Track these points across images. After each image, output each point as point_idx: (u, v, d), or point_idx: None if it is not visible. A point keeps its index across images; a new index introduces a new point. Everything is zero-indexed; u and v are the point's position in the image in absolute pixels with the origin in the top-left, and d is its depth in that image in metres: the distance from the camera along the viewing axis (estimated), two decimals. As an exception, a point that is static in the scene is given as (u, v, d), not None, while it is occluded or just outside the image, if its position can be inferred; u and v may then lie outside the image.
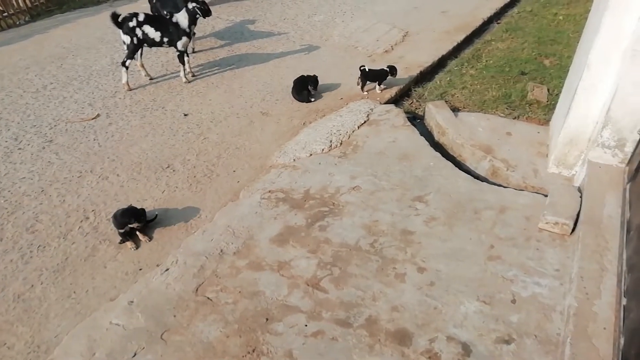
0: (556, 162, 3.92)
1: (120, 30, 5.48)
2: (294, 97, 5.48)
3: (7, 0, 8.03)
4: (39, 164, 4.53)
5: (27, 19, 8.26)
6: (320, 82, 5.61)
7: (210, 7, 5.84)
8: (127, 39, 5.49)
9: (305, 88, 5.43)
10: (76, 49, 6.98)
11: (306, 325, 2.84)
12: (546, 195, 3.61)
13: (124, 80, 5.75)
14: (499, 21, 7.64)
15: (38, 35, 7.49)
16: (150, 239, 3.64)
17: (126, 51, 5.58)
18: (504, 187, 3.94)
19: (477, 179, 4.02)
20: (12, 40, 7.31)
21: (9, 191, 4.17)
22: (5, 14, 8.03)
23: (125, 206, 3.66)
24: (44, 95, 5.76)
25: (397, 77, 5.69)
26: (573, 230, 3.30)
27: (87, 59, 6.69)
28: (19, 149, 4.76)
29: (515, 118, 4.79)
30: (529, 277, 3.05)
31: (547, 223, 3.36)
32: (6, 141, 4.87)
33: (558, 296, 2.92)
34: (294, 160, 4.38)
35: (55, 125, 5.14)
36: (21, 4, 8.26)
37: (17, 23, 8.10)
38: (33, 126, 5.13)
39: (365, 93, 5.48)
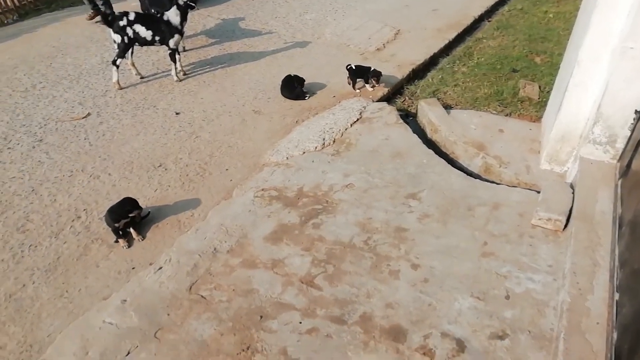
0: (548, 158, 3.94)
1: (111, 30, 5.43)
2: (285, 96, 5.46)
3: (-6, -1, 7.94)
4: (29, 164, 4.48)
5: (15, 18, 8.14)
6: (312, 80, 5.61)
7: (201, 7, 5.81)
8: (117, 37, 5.44)
9: (295, 85, 5.42)
10: (65, 48, 6.91)
11: (300, 323, 2.83)
12: (539, 192, 3.64)
13: (114, 79, 5.70)
14: (489, 19, 7.68)
15: (26, 34, 7.40)
16: (144, 237, 3.62)
17: (117, 50, 5.52)
18: (497, 183, 3.96)
19: (470, 175, 4.04)
20: (0, 39, 7.22)
21: (-2, 191, 4.13)
22: (-7, 12, 7.93)
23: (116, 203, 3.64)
24: (34, 94, 5.70)
25: (389, 75, 5.70)
26: (566, 226, 3.33)
27: (77, 57, 6.62)
28: (9, 148, 4.70)
29: (507, 115, 4.81)
30: (522, 273, 3.07)
31: (540, 219, 3.38)
32: (-5, 140, 4.82)
33: (552, 292, 2.94)
34: (287, 158, 4.37)
35: (45, 125, 5.08)
36: (9, 3, 8.13)
37: (5, 22, 7.99)
38: (22, 125, 5.08)
39: (357, 91, 5.49)
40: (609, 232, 3.03)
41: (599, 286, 2.71)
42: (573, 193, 3.48)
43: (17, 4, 8.25)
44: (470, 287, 3.00)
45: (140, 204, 3.65)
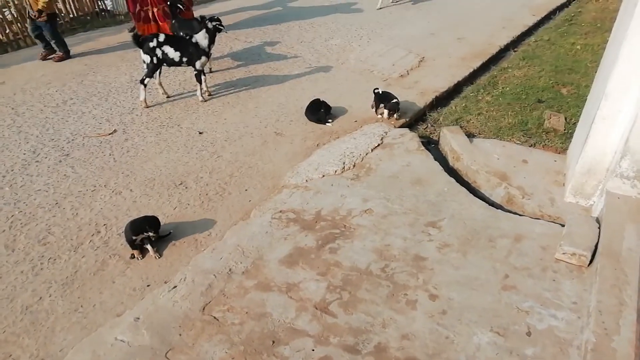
0: (573, 191, 3.84)
1: (141, 50, 5.59)
2: (309, 119, 5.50)
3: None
4: (54, 177, 4.57)
5: (52, 36, 8.47)
6: (335, 105, 5.63)
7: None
8: (147, 58, 5.59)
9: (320, 109, 5.45)
10: (97, 66, 7.13)
11: (313, 350, 2.77)
12: (563, 225, 3.54)
13: (141, 98, 5.84)
14: (515, 49, 7.64)
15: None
16: (160, 255, 3.63)
17: (145, 70, 5.67)
18: (520, 215, 3.87)
19: (492, 206, 3.96)
20: (36, 57, 7.50)
21: (24, 203, 4.21)
22: (31, 30, 8.26)
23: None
24: (64, 110, 5.86)
25: (412, 102, 5.70)
26: (591, 262, 3.21)
27: (107, 75, 6.82)
28: (37, 161, 4.82)
29: (531, 146, 4.73)
30: (545, 309, 2.96)
31: (564, 254, 3.27)
32: (24, 153, 4.94)
33: (575, 330, 2.82)
34: (306, 181, 4.37)
35: (72, 140, 5.21)
36: (47, 22, 8.49)
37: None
38: (51, 140, 5.21)
39: (379, 116, 5.48)
40: (636, 270, 2.91)
41: (626, 326, 2.59)
42: (599, 228, 3.36)
43: (54, 23, 8.59)
44: (490, 321, 2.90)
45: (160, 225, 3.68)
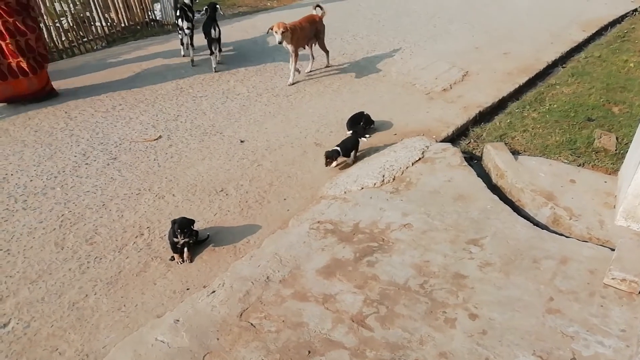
0: (625, 214, 3.68)
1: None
2: (349, 129, 5.50)
3: (87, 27, 8.69)
4: (102, 180, 4.75)
5: (104, 45, 8.86)
6: (375, 117, 5.62)
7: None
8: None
9: (360, 122, 5.44)
10: (145, 74, 7.39)
11: (349, 363, 2.75)
12: (613, 249, 3.39)
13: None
14: (564, 65, 7.43)
15: (112, 60, 7.99)
16: (192, 260, 3.69)
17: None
18: (566, 236, 3.73)
19: (537, 226, 3.84)
20: (89, 63, 7.84)
21: (73, 203, 4.39)
22: (85, 39, 8.67)
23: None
24: (113, 115, 6.10)
25: (455, 115, 5.61)
26: (642, 289, 3.07)
27: (154, 83, 7.05)
28: (86, 164, 5.02)
29: (580, 165, 4.58)
30: (591, 335, 2.83)
31: (613, 279, 3.13)
32: (75, 156, 5.16)
33: (623, 358, 2.69)
34: (344, 192, 4.36)
35: (120, 144, 5.41)
36: (99, 31, 8.90)
37: (95, 48, 8.71)
38: (100, 143, 5.42)
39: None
40: (695, 300, 2.75)
41: (681, 360, 2.45)
42: (653, 254, 3.21)
43: (106, 32, 8.99)
44: (532, 344, 2.80)
45: (193, 229, 3.74)
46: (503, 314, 3.01)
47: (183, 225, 3.62)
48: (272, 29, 6.36)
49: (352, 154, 4.96)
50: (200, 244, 3.84)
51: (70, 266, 3.65)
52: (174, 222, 3.66)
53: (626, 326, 2.89)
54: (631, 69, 6.85)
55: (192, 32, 7.45)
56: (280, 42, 6.32)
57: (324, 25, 7.10)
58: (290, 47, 6.59)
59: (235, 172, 4.87)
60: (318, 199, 4.35)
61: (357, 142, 5.04)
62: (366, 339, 2.89)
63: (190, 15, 7.34)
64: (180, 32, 7.62)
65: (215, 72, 7.31)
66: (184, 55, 7.89)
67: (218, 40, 7.31)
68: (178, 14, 7.32)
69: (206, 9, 7.42)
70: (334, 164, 4.84)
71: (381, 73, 7.23)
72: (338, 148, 4.82)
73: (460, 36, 8.68)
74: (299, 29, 6.55)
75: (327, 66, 7.44)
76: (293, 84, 6.84)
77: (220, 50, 7.58)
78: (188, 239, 3.62)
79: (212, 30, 7.05)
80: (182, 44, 7.88)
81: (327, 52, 7.40)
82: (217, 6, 7.33)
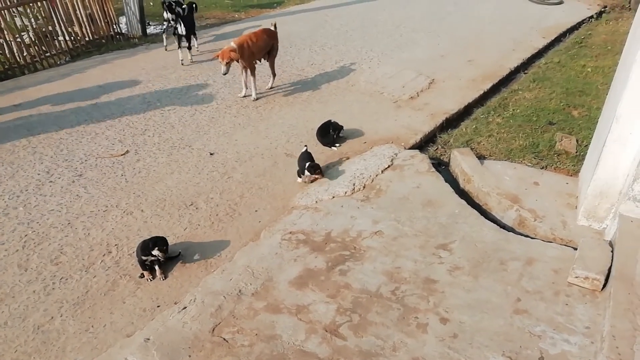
0: (586, 214, 3.81)
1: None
2: (319, 140, 5.53)
3: (50, 42, 8.50)
4: (67, 197, 4.63)
5: (68, 59, 8.66)
6: (345, 126, 5.67)
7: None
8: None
9: (329, 132, 5.48)
10: (111, 88, 7.26)
11: (323, 374, 2.74)
12: (575, 249, 3.50)
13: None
14: (526, 71, 7.67)
15: (76, 75, 7.83)
16: (165, 277, 3.63)
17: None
18: (531, 238, 3.84)
19: (504, 228, 3.93)
20: (52, 79, 7.67)
21: (37, 222, 4.26)
22: (48, 53, 8.47)
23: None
24: (78, 130, 5.96)
25: (422, 122, 5.70)
26: (604, 286, 3.17)
27: (121, 97, 6.94)
28: (50, 182, 4.89)
29: (543, 168, 4.72)
30: (557, 334, 2.91)
31: (576, 277, 3.23)
32: (39, 174, 5.02)
33: (589, 355, 2.77)
34: (316, 202, 4.38)
35: (85, 160, 5.29)
36: (63, 45, 8.71)
37: (58, 63, 8.51)
38: (65, 160, 5.29)
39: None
40: (653, 295, 2.86)
41: (641, 353, 2.54)
42: (612, 251, 3.32)
43: (70, 46, 8.81)
44: (501, 345, 2.86)
45: (167, 247, 3.70)
46: (473, 316, 3.06)
47: (163, 242, 3.61)
48: (217, 57, 6.12)
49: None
50: (172, 260, 3.78)
51: (35, 288, 3.54)
52: (149, 241, 3.61)
53: (590, 323, 2.98)
54: (589, 74, 7.12)
55: (176, 23, 7.82)
56: (225, 74, 6.16)
57: (278, 43, 7.00)
58: (243, 63, 6.36)
59: (205, 185, 4.83)
60: (290, 210, 4.35)
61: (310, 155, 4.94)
62: (339, 348, 2.89)
63: (178, 9, 7.79)
64: (165, 23, 8.14)
65: (183, 64, 7.95)
66: (166, 48, 8.59)
67: (186, 37, 7.91)
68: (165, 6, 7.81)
69: (184, 8, 7.92)
70: (308, 179, 4.77)
71: (350, 82, 7.31)
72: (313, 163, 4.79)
73: (426, 45, 8.86)
74: (251, 44, 6.27)
75: (270, 88, 7.09)
76: (257, 99, 6.74)
77: (189, 48, 8.11)
78: (158, 255, 3.56)
79: (179, 26, 7.75)
80: (164, 33, 8.58)
81: (274, 74, 7.10)
82: (194, 5, 8.17)
